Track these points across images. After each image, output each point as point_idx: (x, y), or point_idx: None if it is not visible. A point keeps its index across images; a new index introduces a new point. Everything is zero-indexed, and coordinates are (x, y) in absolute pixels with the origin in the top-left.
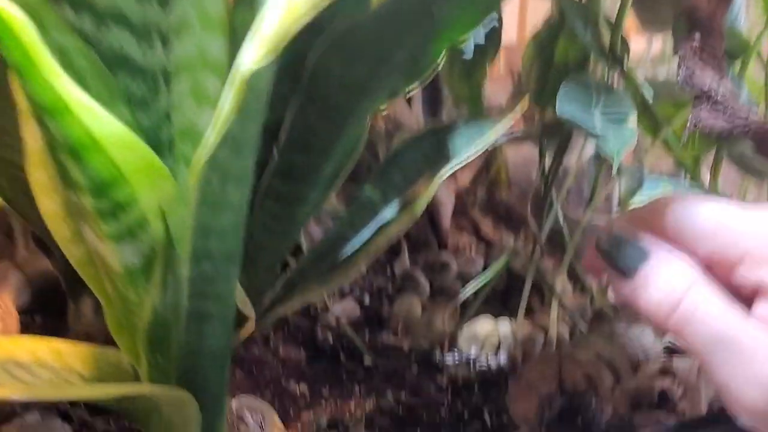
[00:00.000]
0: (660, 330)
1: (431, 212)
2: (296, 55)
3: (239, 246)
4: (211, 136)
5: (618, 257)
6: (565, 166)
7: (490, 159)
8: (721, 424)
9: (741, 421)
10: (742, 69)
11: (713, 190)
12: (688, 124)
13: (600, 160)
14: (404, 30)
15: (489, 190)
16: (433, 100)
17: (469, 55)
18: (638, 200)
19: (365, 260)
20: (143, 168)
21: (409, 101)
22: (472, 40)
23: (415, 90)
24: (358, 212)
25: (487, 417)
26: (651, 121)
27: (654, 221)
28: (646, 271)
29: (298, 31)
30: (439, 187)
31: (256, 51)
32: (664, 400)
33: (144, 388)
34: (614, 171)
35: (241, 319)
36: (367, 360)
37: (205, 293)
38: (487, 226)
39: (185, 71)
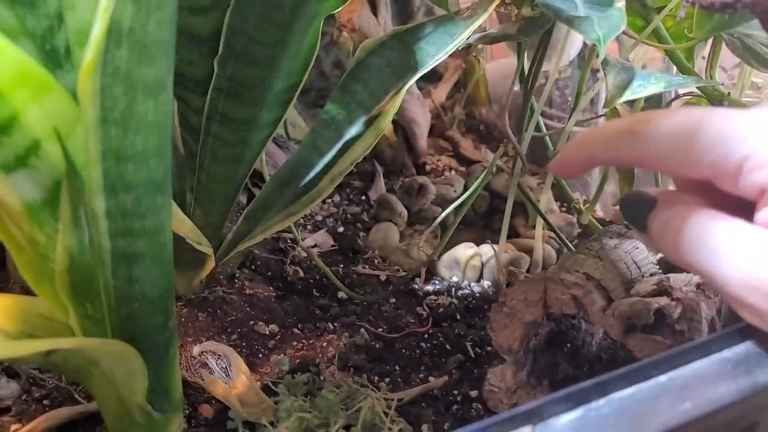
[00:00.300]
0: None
1: (406, 133)
2: None
3: (166, 172)
4: (96, 28)
5: (631, 216)
6: (547, 72)
7: (467, 74)
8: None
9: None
10: None
11: (711, 82)
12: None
13: (583, 61)
14: None
15: (468, 107)
16: (403, 12)
17: None
18: (628, 96)
19: (330, 184)
20: (22, 79)
21: (375, 13)
22: None
23: None
24: (320, 133)
25: (469, 348)
26: (641, 7)
27: (642, 138)
28: (653, 222)
29: None
30: (414, 106)
31: None
32: (660, 321)
33: (73, 342)
34: (600, 60)
35: (199, 258)
36: (342, 293)
37: (130, 229)
38: (467, 146)
39: None
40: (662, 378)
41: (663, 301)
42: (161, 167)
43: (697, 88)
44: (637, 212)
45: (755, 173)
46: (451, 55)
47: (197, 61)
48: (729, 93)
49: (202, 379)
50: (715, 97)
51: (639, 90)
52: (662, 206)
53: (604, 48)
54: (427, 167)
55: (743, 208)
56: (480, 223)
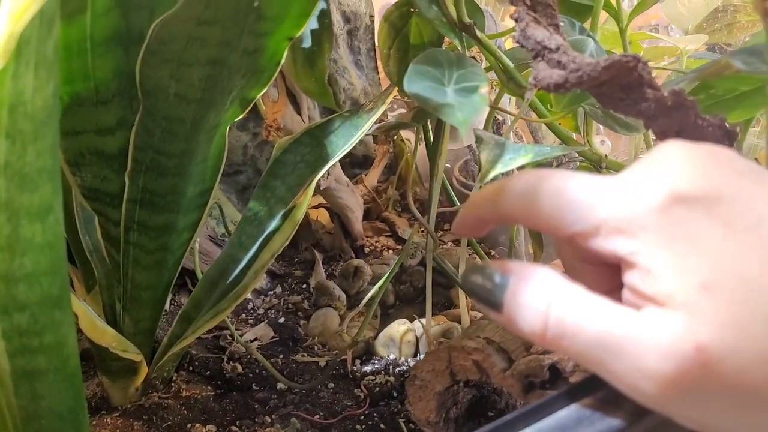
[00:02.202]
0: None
1: (342, 220)
2: (127, 74)
3: (62, 289)
4: None
5: (481, 293)
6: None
7: (398, 158)
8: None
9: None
10: (593, 22)
11: (576, 148)
12: (529, 83)
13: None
14: (230, 29)
15: (401, 188)
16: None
17: (308, 43)
18: (499, 170)
19: (254, 279)
20: None
21: (299, 111)
22: (307, 27)
23: (264, 92)
24: (245, 230)
25: (402, 425)
26: (517, 87)
27: (503, 203)
28: (509, 301)
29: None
30: (345, 193)
31: None
32: (556, 375)
33: None
34: (462, 137)
35: (131, 365)
36: (281, 384)
37: (29, 347)
38: (402, 225)
39: None
40: (541, 424)
41: (556, 356)
42: (56, 284)
43: (578, 153)
44: (486, 290)
45: (609, 240)
46: (378, 141)
47: (110, 176)
48: (606, 155)
49: None
50: (593, 161)
51: (509, 162)
52: (520, 283)
53: (465, 129)
54: (366, 249)
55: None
56: (419, 299)
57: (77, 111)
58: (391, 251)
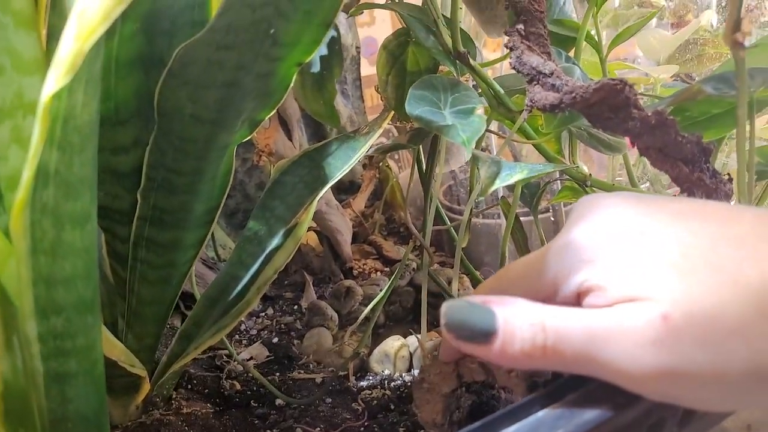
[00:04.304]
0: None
1: (331, 242)
2: (146, 95)
3: (94, 293)
4: (25, 173)
5: (469, 329)
6: (453, 173)
7: (384, 183)
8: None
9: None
10: (576, 51)
11: (566, 166)
12: (525, 104)
13: (473, 161)
14: (246, 53)
15: (387, 213)
16: (317, 133)
17: (316, 68)
18: (498, 184)
19: (257, 295)
20: None
21: (290, 137)
22: (317, 52)
23: (271, 115)
24: (245, 249)
25: None
26: (507, 112)
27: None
28: (503, 326)
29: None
30: (335, 216)
31: (54, 74)
32: (558, 376)
33: None
34: (467, 158)
35: (134, 383)
36: (279, 401)
37: (62, 350)
38: (389, 248)
39: (5, 117)
40: (540, 413)
41: None
42: (89, 288)
43: (564, 172)
44: (476, 322)
45: (564, 286)
46: (365, 167)
47: (121, 194)
48: (591, 174)
49: None
50: (579, 179)
51: (506, 178)
52: (509, 309)
53: (470, 148)
54: (355, 271)
55: None
56: (408, 318)
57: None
58: (379, 273)
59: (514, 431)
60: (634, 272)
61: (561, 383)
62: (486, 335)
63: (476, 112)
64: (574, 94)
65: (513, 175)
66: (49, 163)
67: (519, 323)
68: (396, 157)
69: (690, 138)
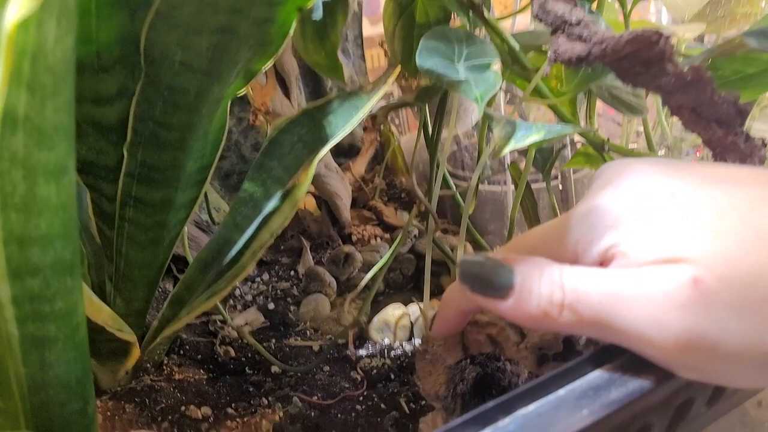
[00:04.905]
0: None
1: (329, 207)
2: (131, 39)
3: (74, 254)
4: None
5: (486, 282)
6: (457, 137)
7: (384, 147)
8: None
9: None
10: (599, 5)
11: (586, 128)
12: (548, 57)
13: (483, 121)
14: None
15: (388, 178)
16: (316, 93)
17: (318, 15)
18: (513, 146)
19: (252, 259)
20: None
21: (288, 96)
22: None
23: (269, 66)
24: (240, 211)
25: (403, 404)
26: (522, 70)
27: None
28: (521, 282)
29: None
30: (334, 180)
31: (18, 2)
32: (570, 348)
33: None
34: (479, 115)
35: (123, 347)
36: (275, 368)
37: (40, 314)
38: (389, 213)
39: None
40: (560, 391)
41: None
42: (68, 248)
43: (581, 135)
44: (493, 276)
45: (587, 252)
46: (366, 130)
47: (106, 149)
48: (608, 139)
49: None
50: (596, 143)
51: (522, 139)
52: (528, 266)
53: (482, 105)
54: (353, 237)
55: None
56: (409, 286)
57: (77, 78)
58: (378, 239)
59: (533, 410)
60: (663, 233)
61: (582, 360)
62: (502, 289)
63: (492, 67)
64: (604, 45)
65: (529, 136)
66: (16, 106)
67: (537, 280)
68: (396, 122)
69: (726, 98)
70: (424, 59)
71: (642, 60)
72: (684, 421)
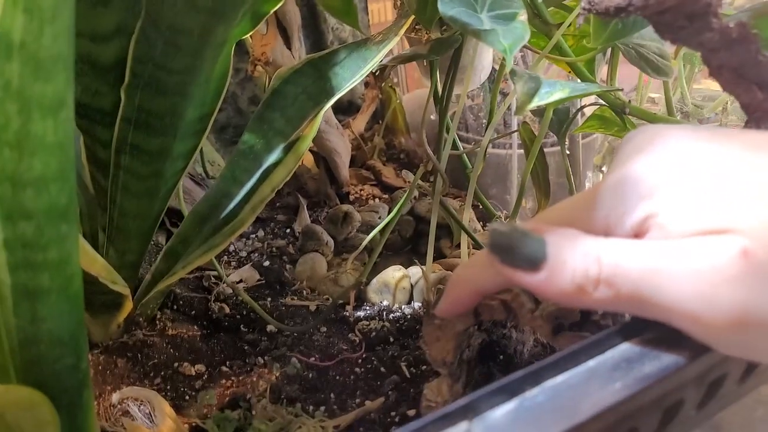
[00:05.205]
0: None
1: (328, 164)
2: None
3: (70, 199)
4: None
5: (517, 253)
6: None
7: (385, 105)
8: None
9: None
10: None
11: (611, 88)
12: (582, 6)
13: (493, 80)
14: None
15: (388, 137)
16: (317, 45)
17: None
18: (536, 102)
19: (251, 213)
20: None
21: (289, 46)
22: None
23: (278, 7)
24: (239, 164)
25: (404, 369)
26: (543, 24)
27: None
28: (554, 254)
29: None
30: (334, 137)
31: None
32: (586, 318)
33: None
34: (507, 69)
35: (115, 300)
36: (271, 327)
37: (33, 262)
38: (389, 174)
39: None
40: (591, 363)
41: None
42: (64, 193)
43: (599, 96)
44: (525, 247)
45: (620, 225)
46: (367, 86)
47: (102, 90)
48: (630, 101)
49: (124, 428)
50: (616, 105)
51: (546, 96)
52: (562, 238)
53: (510, 57)
54: (351, 197)
55: None
56: (407, 248)
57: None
58: (377, 199)
59: (562, 381)
60: (705, 202)
61: (611, 332)
62: (534, 262)
63: (519, 17)
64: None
65: (553, 93)
66: (12, 29)
67: (571, 252)
68: (395, 80)
69: None
70: (447, 6)
71: (686, 13)
72: (715, 398)
